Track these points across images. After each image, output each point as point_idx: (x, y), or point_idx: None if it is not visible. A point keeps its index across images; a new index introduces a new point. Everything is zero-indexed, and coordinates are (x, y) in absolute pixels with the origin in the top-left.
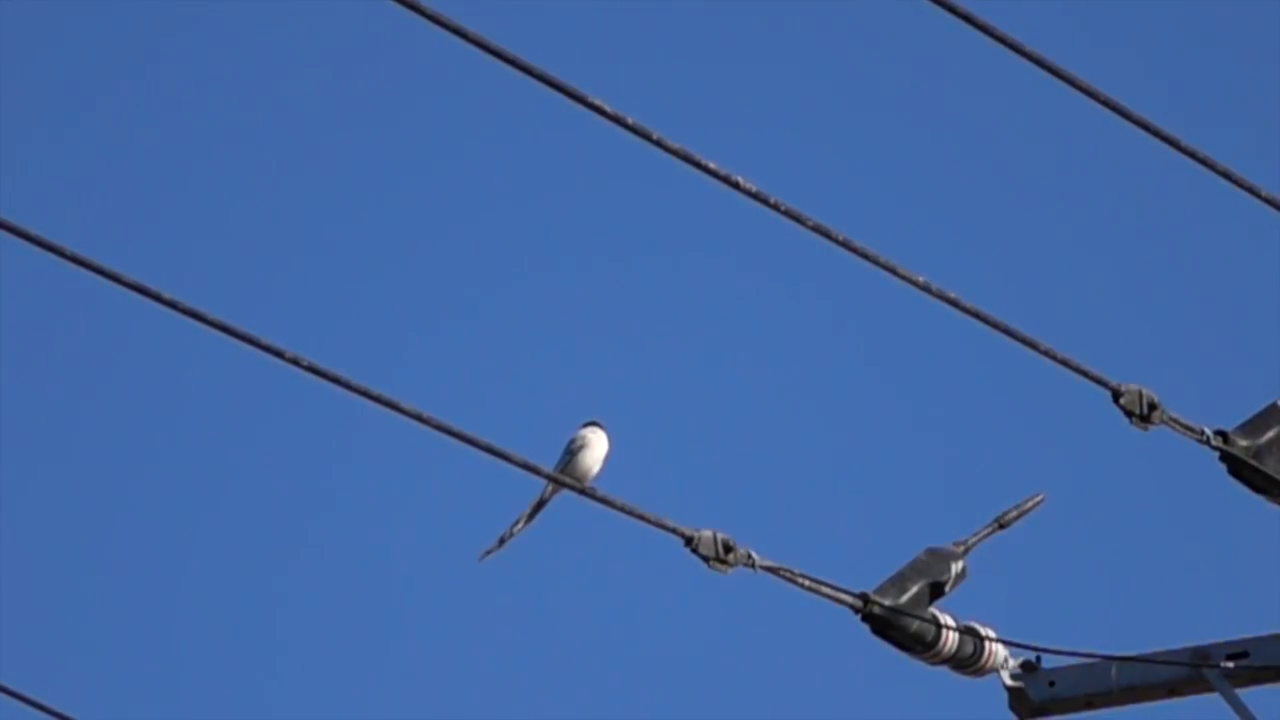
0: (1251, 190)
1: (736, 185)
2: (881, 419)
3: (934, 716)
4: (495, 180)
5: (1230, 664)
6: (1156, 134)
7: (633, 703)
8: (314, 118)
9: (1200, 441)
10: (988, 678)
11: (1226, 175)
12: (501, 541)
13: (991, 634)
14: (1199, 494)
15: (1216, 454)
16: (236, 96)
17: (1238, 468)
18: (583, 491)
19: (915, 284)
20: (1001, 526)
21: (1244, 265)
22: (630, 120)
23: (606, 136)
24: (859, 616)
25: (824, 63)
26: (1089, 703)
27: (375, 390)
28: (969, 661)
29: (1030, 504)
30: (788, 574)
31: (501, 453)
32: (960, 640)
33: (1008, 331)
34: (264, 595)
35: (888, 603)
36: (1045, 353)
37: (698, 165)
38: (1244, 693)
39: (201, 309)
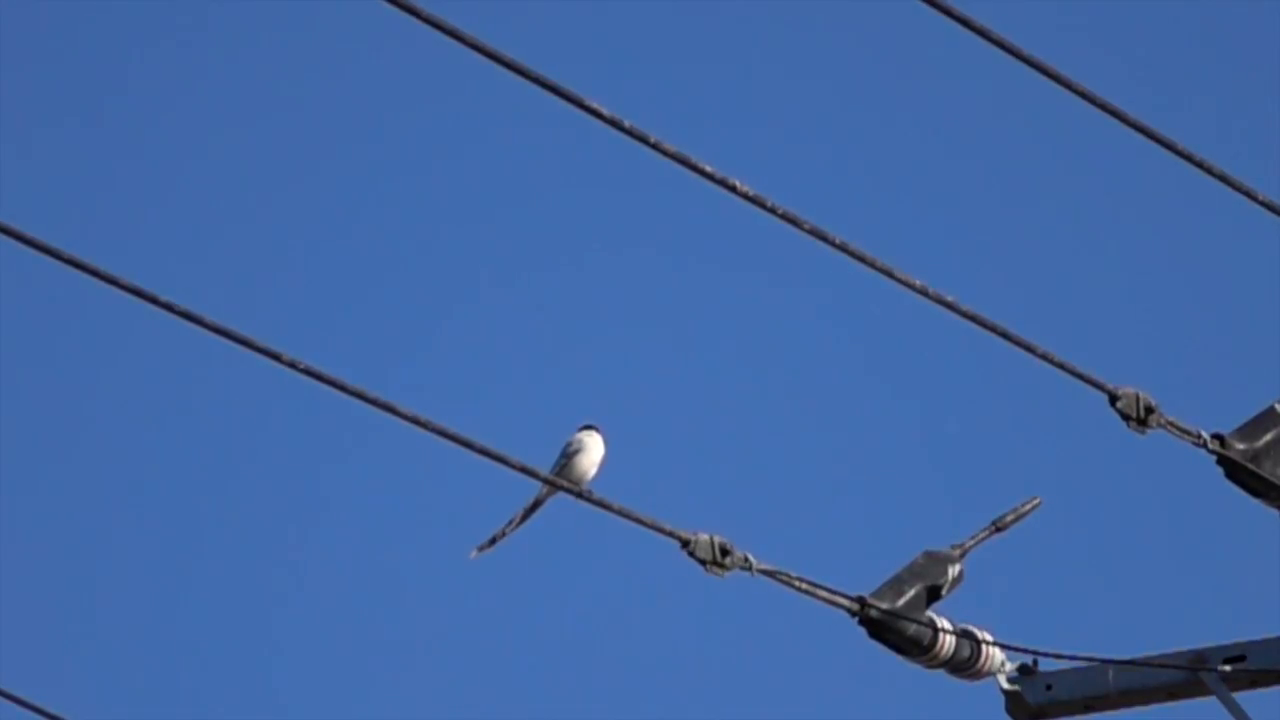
0: (1249, 194)
1: (734, 188)
2: (879, 422)
3: None
4: (492, 183)
5: (1227, 667)
6: (1154, 138)
7: (630, 705)
8: (311, 120)
9: (1197, 445)
10: (985, 681)
11: (1224, 179)
12: (493, 540)
13: (988, 637)
14: (1196, 497)
15: (1213, 457)
16: (235, 99)
17: (1235, 471)
18: (579, 495)
19: (913, 287)
20: (999, 530)
21: (1242, 269)
22: (628, 124)
23: (604, 139)
24: (856, 620)
25: (822, 65)
26: (1086, 706)
27: (373, 393)
28: (966, 665)
29: (1027, 507)
30: (785, 577)
31: (498, 456)
32: (957, 644)
33: (1005, 335)
34: (262, 596)
35: (884, 606)
36: (1043, 356)
37: (695, 168)
38: (1241, 696)
39: (199, 312)
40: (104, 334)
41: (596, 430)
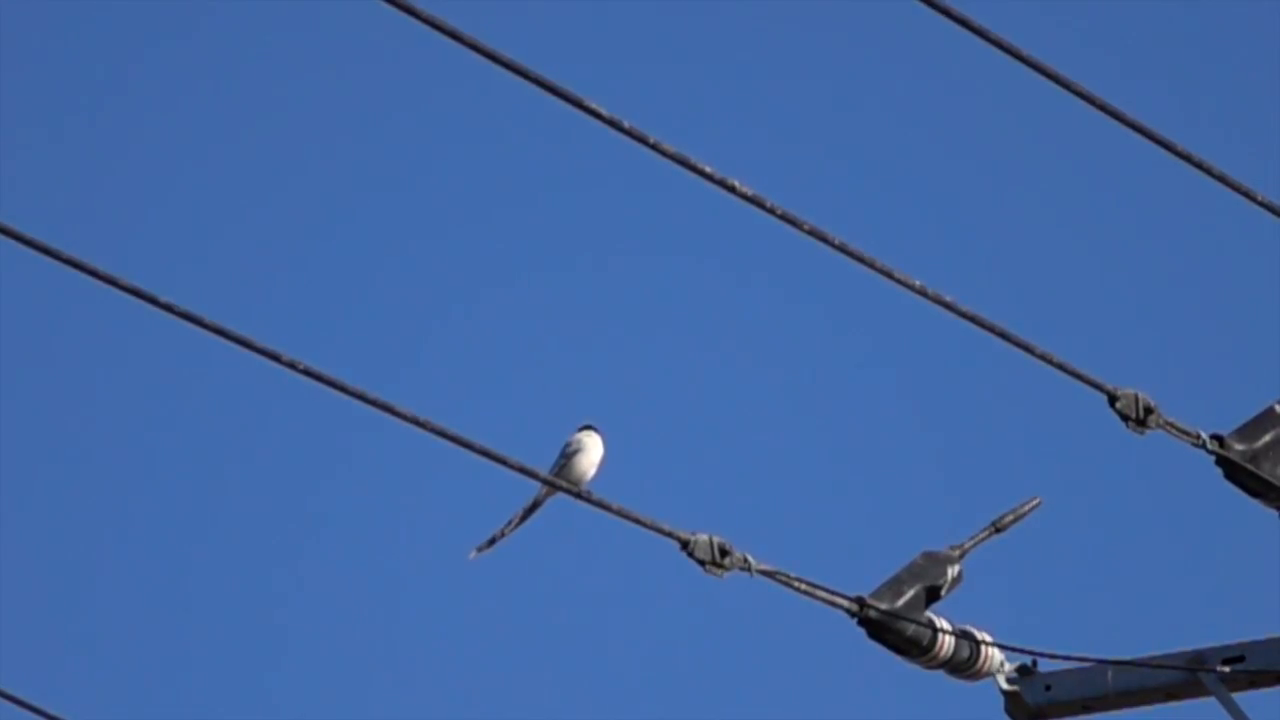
0: (1248, 195)
1: (733, 189)
2: (878, 422)
3: None
4: (491, 184)
5: (1226, 668)
6: (1154, 138)
7: (630, 705)
8: (311, 120)
9: (1196, 445)
10: (984, 682)
11: (1223, 180)
12: (492, 541)
13: (987, 638)
14: (1195, 498)
15: (1213, 458)
16: (234, 98)
17: (1234, 472)
18: (578, 495)
19: (912, 288)
20: (998, 530)
21: (1241, 269)
22: (627, 124)
23: (604, 139)
24: (855, 620)
25: (821, 66)
26: (1085, 707)
27: (372, 394)
28: (965, 665)
29: (1026, 508)
30: (784, 578)
31: (498, 456)
32: (956, 644)
33: (1004, 335)
34: (261, 597)
35: (884, 606)
36: (1042, 356)
37: (694, 169)
38: (1240, 697)
39: (199, 312)
40: (104, 334)
41: (595, 430)
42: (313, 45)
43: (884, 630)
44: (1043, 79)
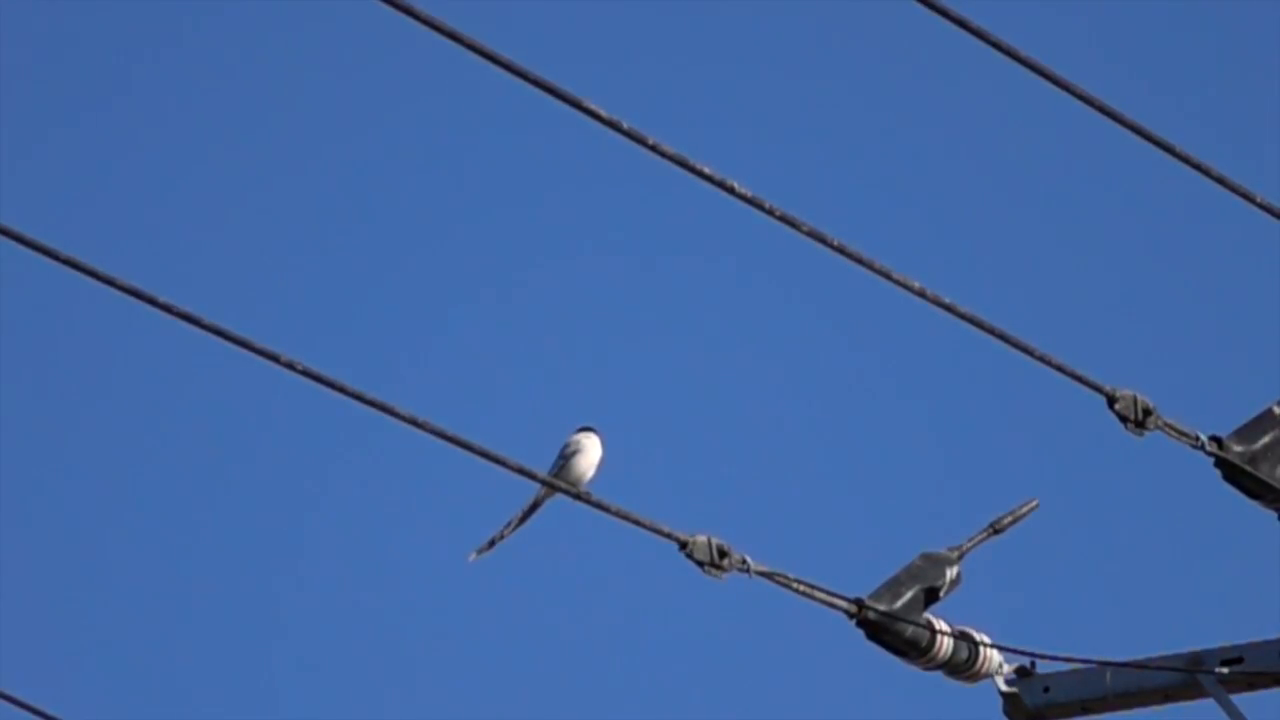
0: (1247, 196)
1: (732, 190)
2: (876, 424)
3: None
4: (491, 183)
5: (1225, 669)
6: (1152, 139)
7: (628, 706)
8: (311, 120)
9: (1195, 447)
10: (982, 683)
11: (1222, 181)
12: (492, 543)
13: (986, 639)
14: (1193, 500)
15: (1211, 459)
16: (235, 99)
17: (1232, 473)
18: (577, 496)
19: (910, 289)
20: (996, 532)
21: (1239, 271)
22: (626, 125)
23: (603, 140)
24: (854, 621)
25: (821, 66)
26: (1084, 708)
27: (371, 395)
28: (963, 667)
29: (1025, 509)
30: (782, 579)
31: (496, 457)
32: (955, 646)
33: (1003, 337)
34: (260, 598)
35: (882, 608)
36: (1040, 358)
37: (693, 170)
38: (1239, 698)
39: (199, 312)
40: (104, 334)
41: (594, 432)
42: (313, 45)
43: (883, 631)
44: (1042, 80)
